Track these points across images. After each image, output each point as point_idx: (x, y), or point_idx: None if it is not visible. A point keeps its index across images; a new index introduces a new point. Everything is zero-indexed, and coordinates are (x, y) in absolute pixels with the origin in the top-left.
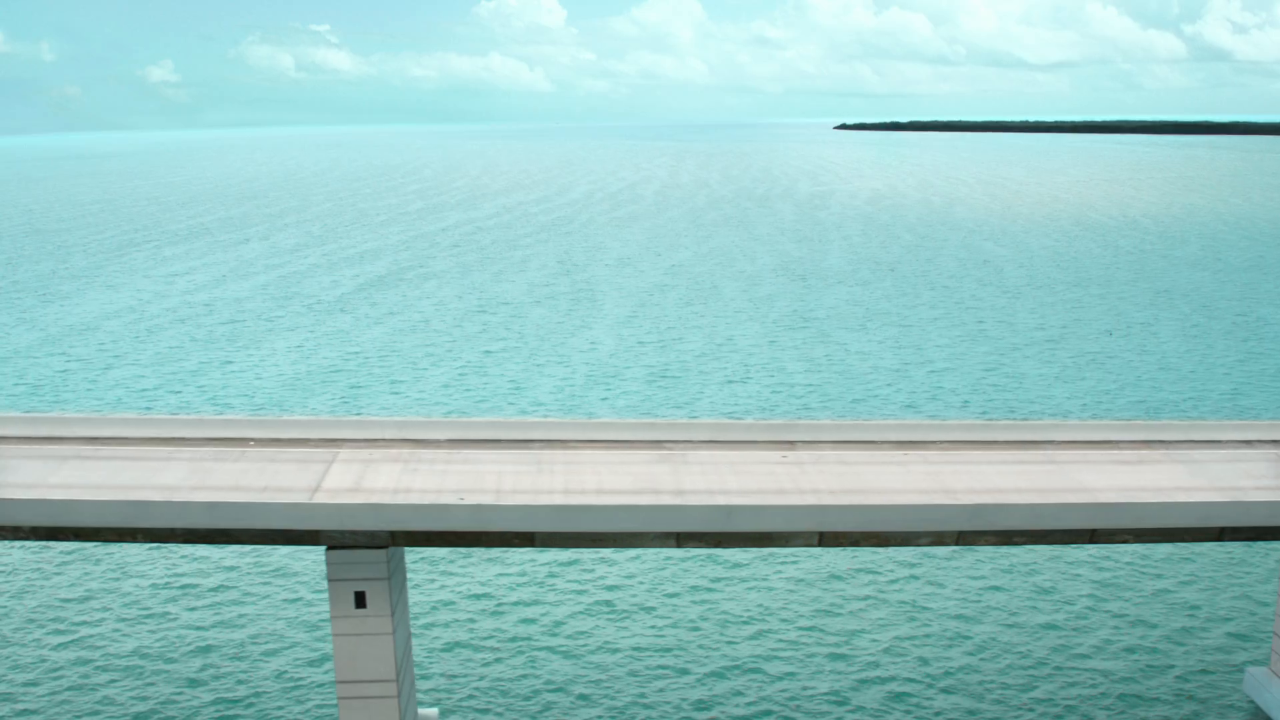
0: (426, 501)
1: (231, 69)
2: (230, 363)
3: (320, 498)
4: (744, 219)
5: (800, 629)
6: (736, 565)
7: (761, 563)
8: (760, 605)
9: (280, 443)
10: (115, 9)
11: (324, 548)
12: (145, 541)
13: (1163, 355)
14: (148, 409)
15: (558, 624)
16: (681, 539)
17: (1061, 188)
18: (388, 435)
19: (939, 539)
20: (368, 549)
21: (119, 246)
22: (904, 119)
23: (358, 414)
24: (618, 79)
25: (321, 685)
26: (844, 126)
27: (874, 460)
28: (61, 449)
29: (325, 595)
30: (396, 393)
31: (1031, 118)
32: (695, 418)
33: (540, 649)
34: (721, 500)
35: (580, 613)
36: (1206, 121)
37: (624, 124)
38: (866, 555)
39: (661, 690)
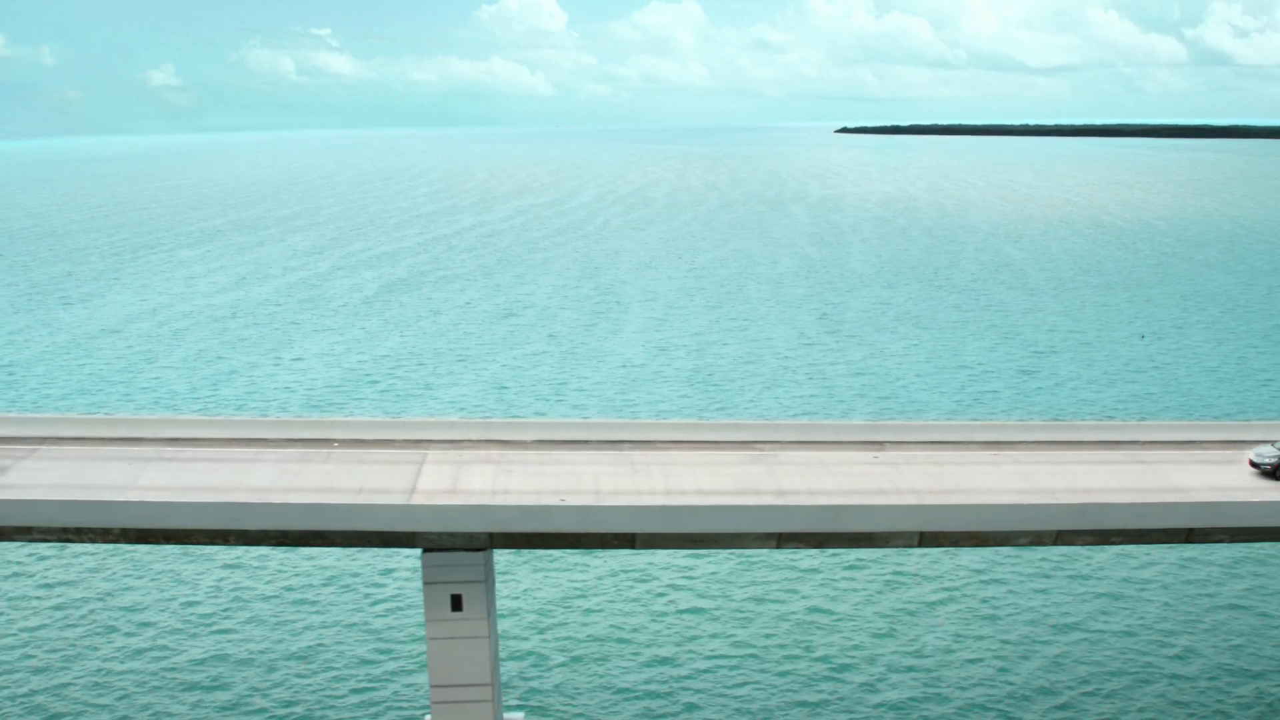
0: (526, 503)
1: (232, 73)
2: (266, 365)
3: (418, 499)
4: (758, 222)
5: (881, 631)
6: (816, 569)
7: (833, 563)
8: (854, 606)
9: (364, 444)
10: (116, 12)
11: (419, 550)
12: (237, 544)
13: (1201, 358)
14: (221, 411)
15: (638, 627)
16: (782, 539)
17: (1072, 191)
18: (474, 436)
19: (1037, 539)
20: (465, 551)
21: (134, 249)
22: (904, 123)
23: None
24: (619, 83)
25: (406, 690)
26: (845, 130)
27: (965, 460)
28: (142, 450)
29: (392, 596)
30: (437, 395)
31: (1032, 121)
32: (784, 418)
33: (624, 651)
34: (824, 500)
35: (661, 615)
36: (1207, 125)
37: (625, 128)
38: (917, 556)
39: (746, 693)
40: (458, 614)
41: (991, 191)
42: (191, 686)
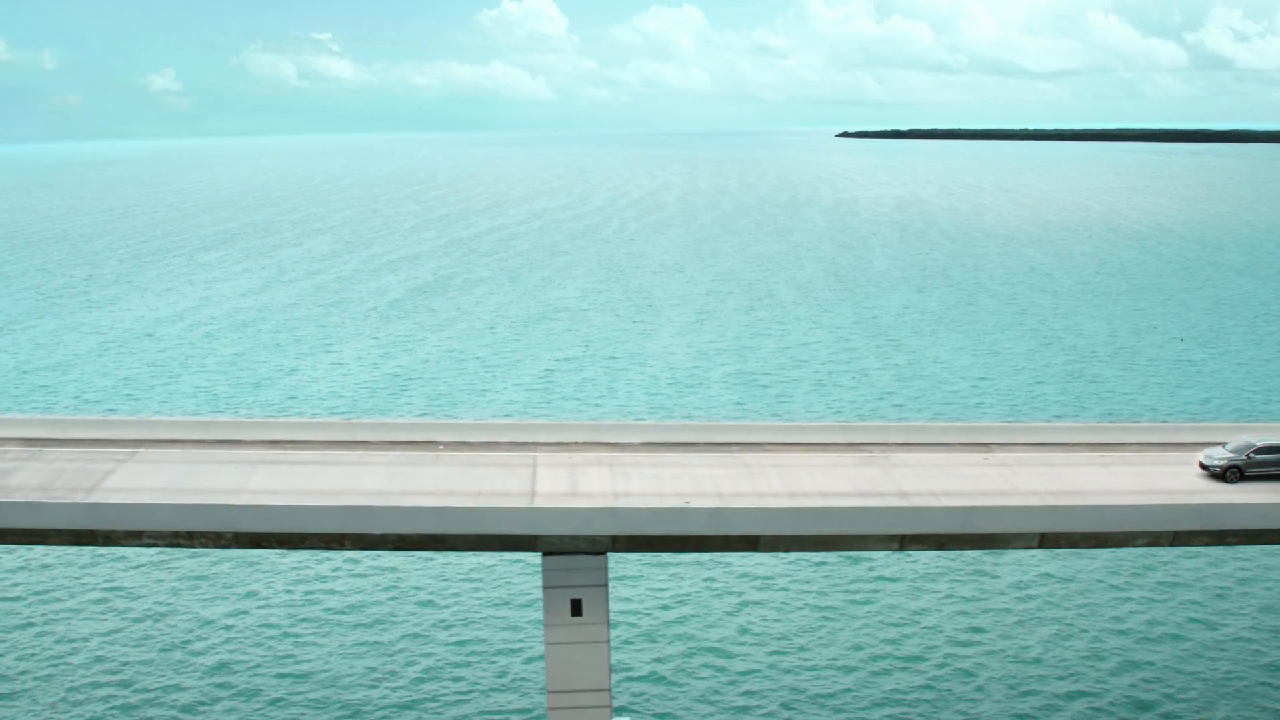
0: (649, 505)
1: (233, 77)
2: (307, 367)
3: (541, 502)
4: (776, 226)
5: (1004, 633)
6: (933, 571)
7: (950, 566)
8: (974, 609)
9: (470, 446)
10: (117, 17)
11: (520, 554)
12: (353, 549)
13: (1244, 362)
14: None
15: (748, 631)
16: (905, 541)
17: (1084, 196)
18: (581, 438)
19: (1155, 539)
20: (587, 555)
21: (152, 253)
22: (905, 127)
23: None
24: (619, 87)
25: (517, 697)
26: (846, 134)
27: (1074, 462)
28: (244, 453)
29: (498, 601)
30: (481, 397)
31: (1031, 126)
32: (895, 420)
33: (736, 657)
34: (946, 502)
35: (774, 619)
36: (1208, 130)
37: (626, 132)
38: (1019, 558)
39: (865, 701)
40: (577, 619)
41: (1003, 196)
42: (300, 690)
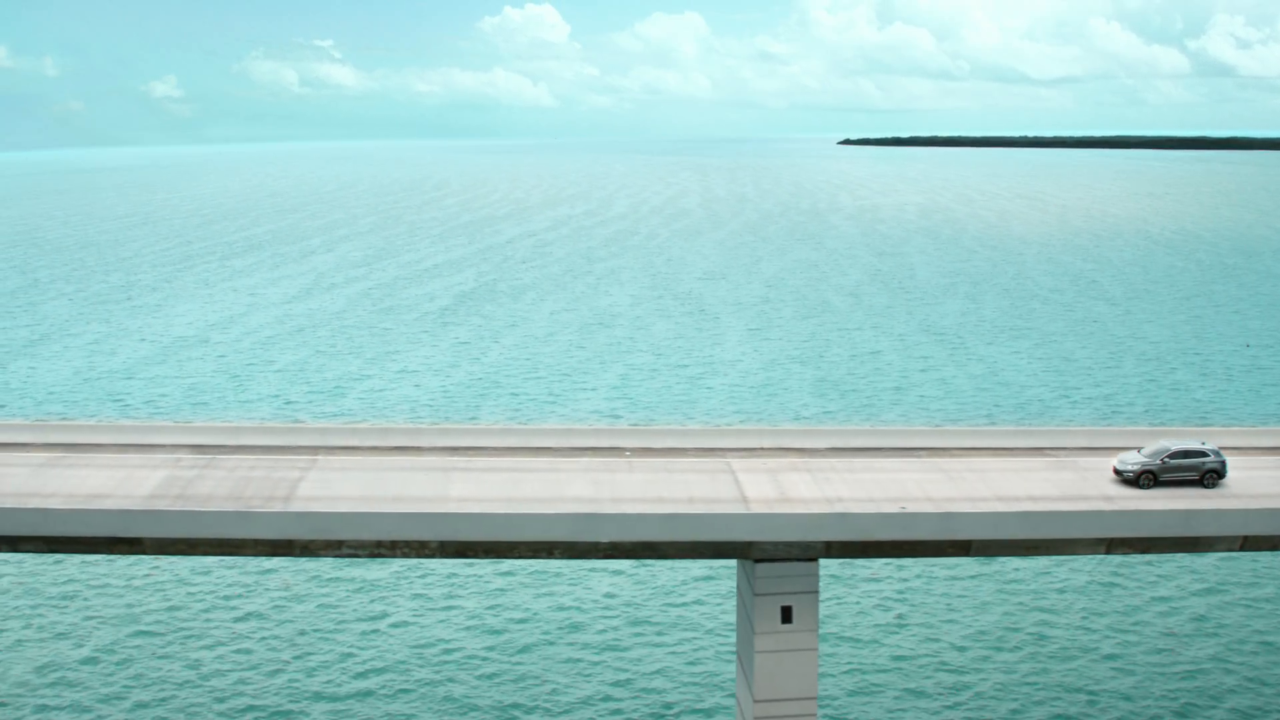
0: (863, 511)
1: (235, 84)
2: (377, 375)
3: (755, 508)
4: (806, 233)
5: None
6: (1138, 575)
7: (1149, 570)
8: (1180, 613)
9: (655, 452)
10: (118, 24)
11: (714, 561)
12: (562, 557)
13: None
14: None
15: (951, 637)
16: (1112, 545)
17: (1105, 202)
18: (766, 444)
19: None
20: (800, 561)
21: (183, 259)
22: (906, 134)
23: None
24: (621, 94)
25: (713, 706)
26: (847, 142)
27: (1253, 466)
28: (429, 460)
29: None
30: (570, 404)
31: (1036, 133)
32: (1074, 423)
33: (942, 665)
34: (1150, 506)
35: (971, 624)
36: (1211, 137)
37: (628, 139)
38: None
39: (1075, 702)
40: (787, 626)
41: (1025, 203)
42: (497, 693)
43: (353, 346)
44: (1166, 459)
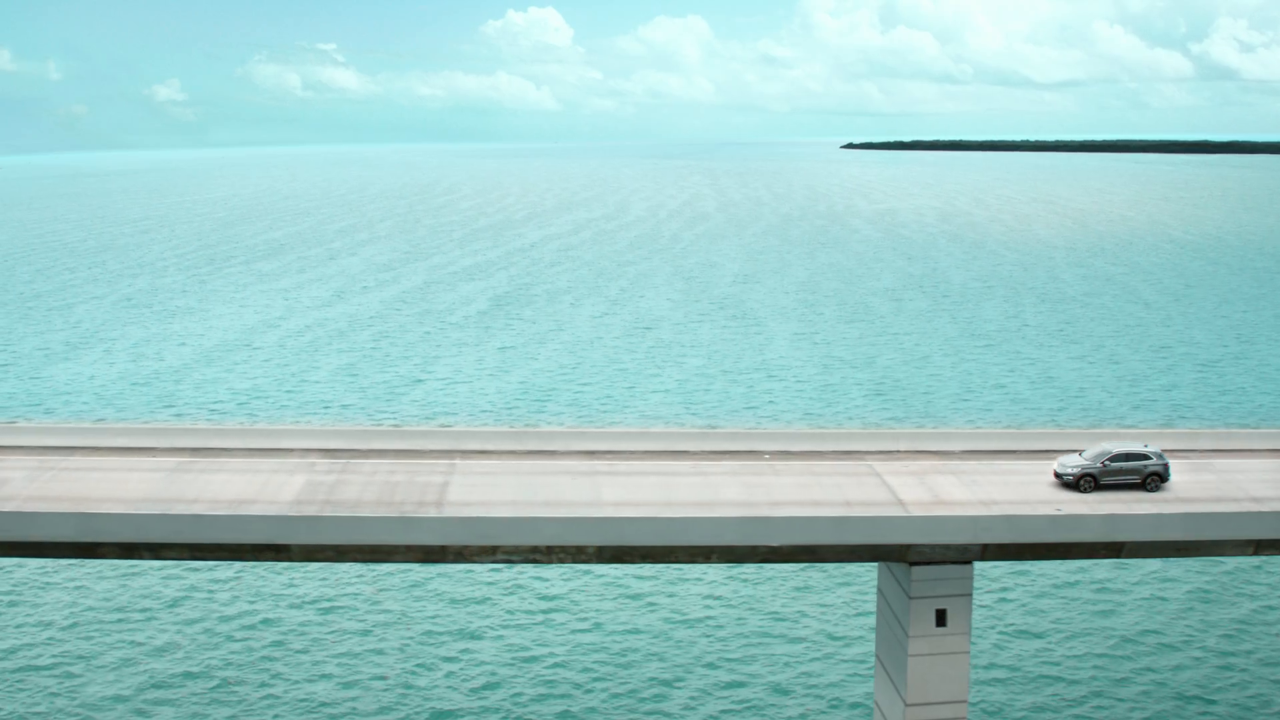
0: (1020, 513)
1: (238, 88)
2: (435, 376)
3: (915, 511)
4: (829, 237)
5: None
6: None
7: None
8: None
9: (793, 454)
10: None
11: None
12: (719, 561)
13: None
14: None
15: (1100, 640)
16: (1260, 546)
17: (1122, 206)
18: (902, 447)
19: None
20: (955, 564)
21: (208, 262)
22: (909, 138)
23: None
24: (624, 98)
25: (851, 709)
26: (851, 145)
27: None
28: (571, 464)
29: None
30: (630, 404)
31: (1039, 137)
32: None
33: (1091, 667)
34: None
35: (1120, 627)
36: (1214, 141)
37: (632, 143)
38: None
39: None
40: (941, 629)
41: (1041, 207)
42: (627, 698)
43: (403, 349)
44: (1107, 462)
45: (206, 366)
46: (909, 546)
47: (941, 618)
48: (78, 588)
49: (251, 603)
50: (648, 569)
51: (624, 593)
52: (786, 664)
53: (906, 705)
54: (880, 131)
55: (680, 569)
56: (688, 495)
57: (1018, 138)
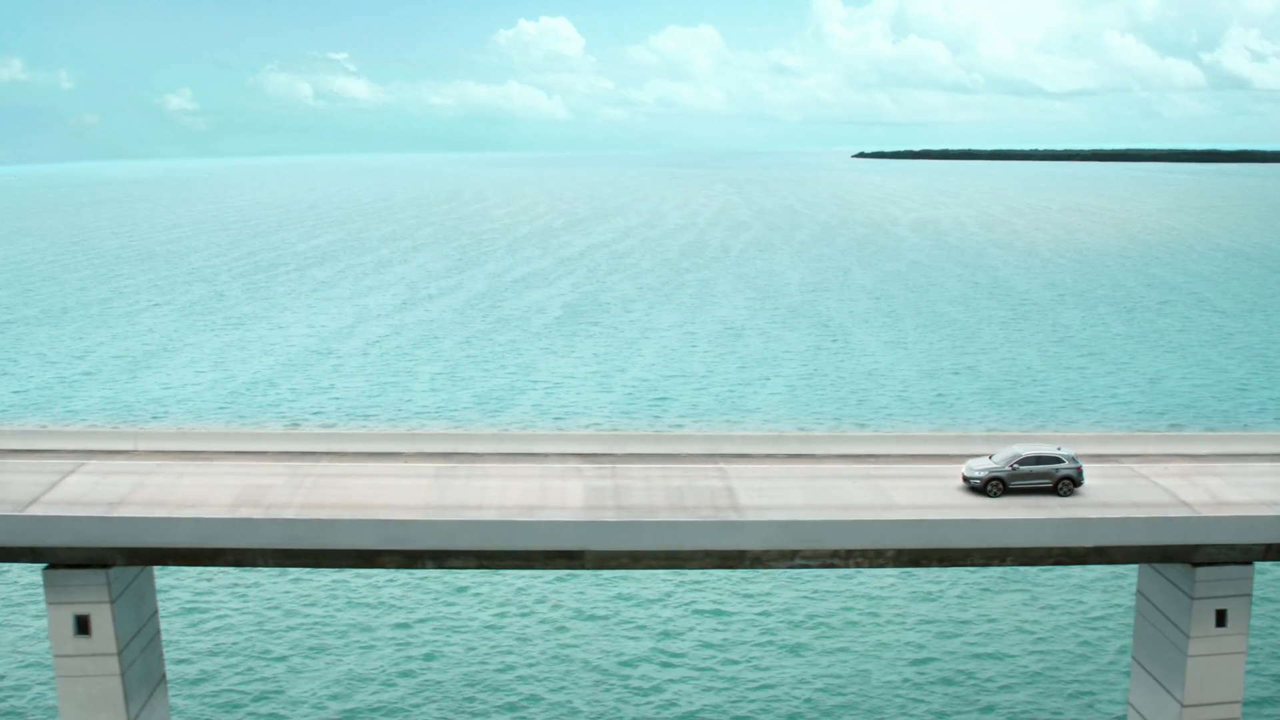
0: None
1: (249, 97)
2: (535, 384)
3: (1201, 511)
4: (878, 245)
5: None
6: None
7: None
8: None
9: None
10: (133, 37)
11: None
12: (1014, 564)
13: None
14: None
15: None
16: None
17: (1159, 215)
18: (1151, 450)
19: None
20: (1238, 565)
21: (257, 269)
22: (920, 148)
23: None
24: (636, 107)
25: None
26: (862, 155)
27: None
28: (835, 467)
29: (1080, 612)
30: (752, 411)
31: (1052, 146)
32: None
33: None
34: None
35: None
36: (1222, 150)
37: (644, 152)
38: None
39: None
40: (1220, 629)
41: (1077, 216)
42: (878, 698)
43: (489, 356)
44: (1016, 465)
45: (295, 373)
46: (1196, 547)
47: (1221, 618)
48: (339, 596)
49: (544, 611)
50: (888, 573)
51: (892, 596)
52: (1039, 667)
53: (1183, 706)
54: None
55: (919, 573)
56: (973, 499)
57: (1027, 147)
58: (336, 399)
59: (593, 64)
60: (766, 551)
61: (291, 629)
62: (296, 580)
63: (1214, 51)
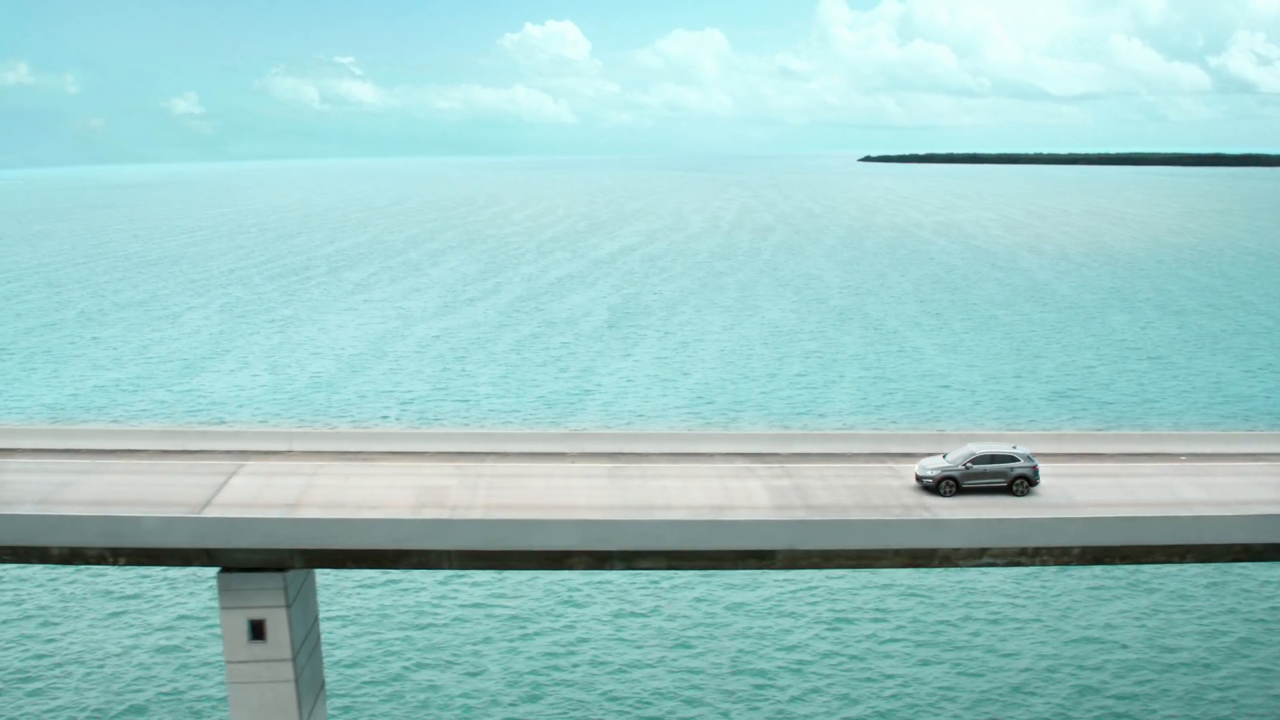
0: None
1: (255, 101)
2: (606, 383)
3: None
4: (907, 249)
5: None
6: None
7: None
8: None
9: (1203, 457)
10: (139, 41)
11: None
12: (1195, 561)
13: None
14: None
15: None
16: None
17: (1182, 218)
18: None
19: None
20: None
21: (287, 271)
22: (926, 151)
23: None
24: (642, 111)
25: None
26: (868, 158)
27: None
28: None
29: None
30: (826, 413)
31: (1056, 150)
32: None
33: None
34: None
35: None
36: (1226, 154)
37: (650, 156)
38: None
39: None
40: None
41: (1101, 220)
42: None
43: (547, 359)
44: (970, 464)
45: (358, 376)
46: None
47: None
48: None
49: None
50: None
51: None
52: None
53: None
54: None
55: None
56: (1149, 495)
57: (1032, 150)
58: (439, 400)
59: (599, 68)
60: (957, 550)
61: (444, 631)
62: (446, 582)
63: (1220, 55)
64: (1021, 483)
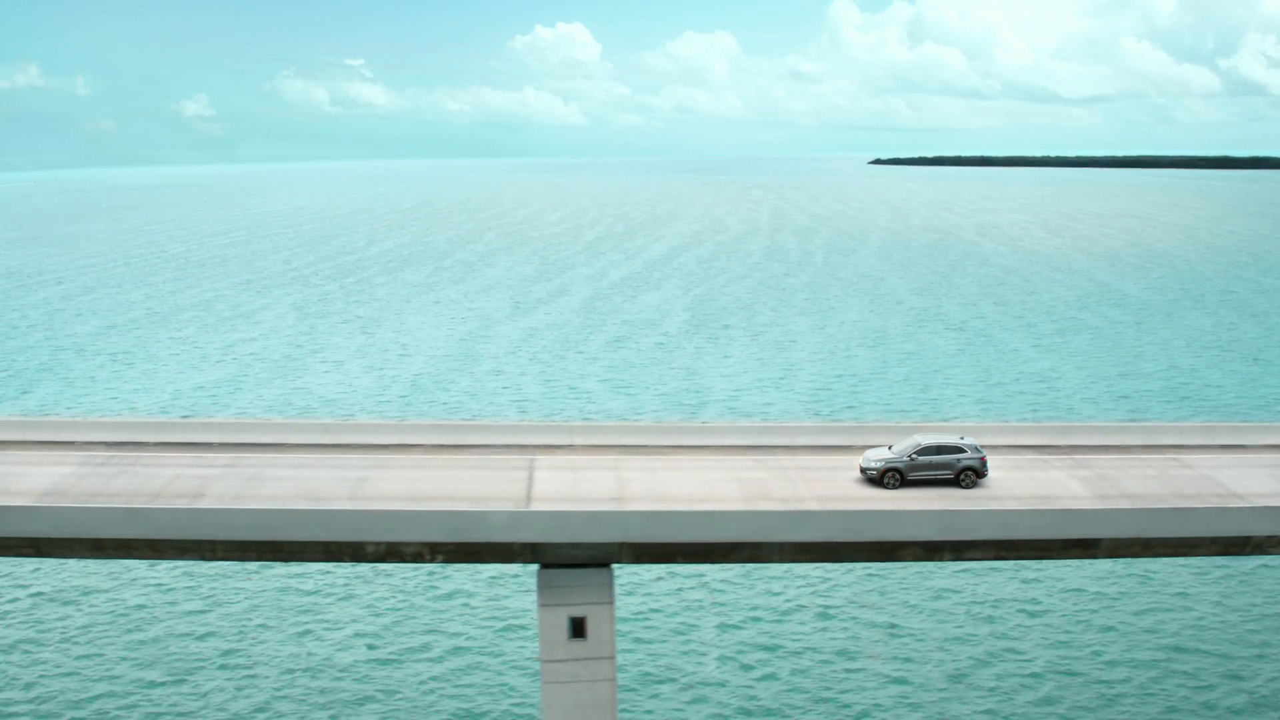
0: None
1: (266, 103)
2: (716, 380)
3: None
4: (959, 251)
5: None
6: None
7: None
8: None
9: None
10: (149, 43)
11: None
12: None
13: None
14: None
15: None
16: None
17: (1217, 221)
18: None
19: None
20: None
21: (343, 272)
22: (935, 154)
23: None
24: (652, 113)
25: None
26: (878, 161)
27: None
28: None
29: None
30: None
31: (1065, 152)
32: None
33: None
34: None
35: None
36: (1236, 157)
37: (661, 158)
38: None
39: None
40: None
41: (1136, 222)
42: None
43: (640, 360)
44: (915, 455)
45: (456, 377)
46: None
47: None
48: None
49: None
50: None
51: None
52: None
53: None
54: (907, 147)
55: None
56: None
57: (1041, 153)
58: (526, 400)
59: (609, 70)
60: (1270, 538)
61: (741, 630)
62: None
63: (1230, 57)
64: (969, 474)
